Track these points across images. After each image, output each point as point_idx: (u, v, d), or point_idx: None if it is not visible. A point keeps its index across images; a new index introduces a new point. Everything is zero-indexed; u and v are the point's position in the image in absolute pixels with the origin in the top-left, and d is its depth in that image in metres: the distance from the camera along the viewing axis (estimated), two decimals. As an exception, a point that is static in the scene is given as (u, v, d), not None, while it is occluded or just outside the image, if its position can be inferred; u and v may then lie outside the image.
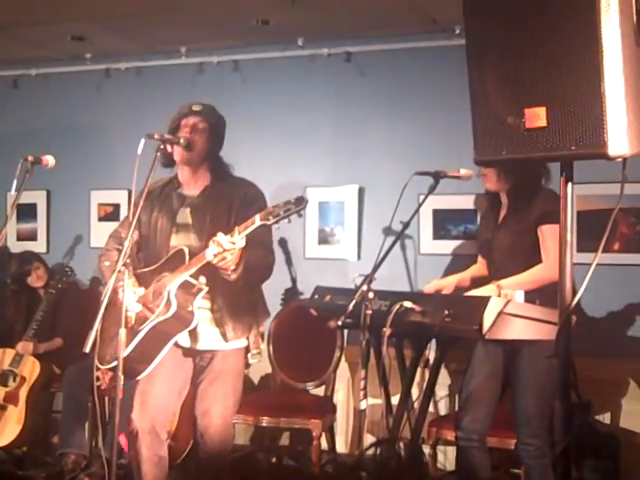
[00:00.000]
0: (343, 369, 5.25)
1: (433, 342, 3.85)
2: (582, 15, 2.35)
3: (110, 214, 6.08)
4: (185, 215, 3.69)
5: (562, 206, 2.61)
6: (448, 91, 5.14)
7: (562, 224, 2.61)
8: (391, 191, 5.22)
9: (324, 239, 5.50)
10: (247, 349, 3.70)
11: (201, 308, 3.58)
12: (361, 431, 3.28)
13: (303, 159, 5.56)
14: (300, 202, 3.19)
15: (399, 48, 5.33)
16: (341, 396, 5.30)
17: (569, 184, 2.60)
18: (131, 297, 3.53)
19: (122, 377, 3.27)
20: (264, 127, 5.67)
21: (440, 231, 5.19)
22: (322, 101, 5.56)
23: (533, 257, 3.56)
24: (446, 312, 2.97)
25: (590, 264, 2.57)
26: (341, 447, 5.25)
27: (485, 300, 2.87)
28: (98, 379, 4.45)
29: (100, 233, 5.83)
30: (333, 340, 4.95)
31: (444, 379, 4.95)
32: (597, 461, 4.30)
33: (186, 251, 3.50)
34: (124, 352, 3.28)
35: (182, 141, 3.58)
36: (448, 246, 5.16)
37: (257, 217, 3.19)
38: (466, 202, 5.08)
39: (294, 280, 5.51)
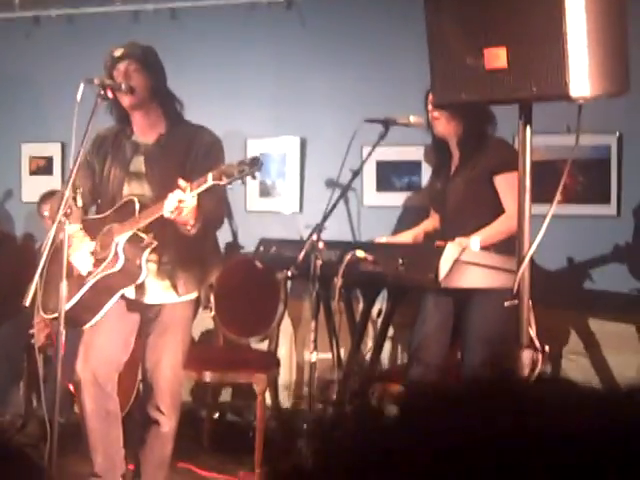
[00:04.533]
0: (286, 324, 5.19)
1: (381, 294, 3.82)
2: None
3: (42, 168, 5.87)
4: (139, 164, 3.58)
5: (520, 150, 2.58)
6: (392, 38, 5.06)
7: (521, 169, 2.57)
8: (334, 142, 5.14)
9: (265, 192, 5.41)
10: (198, 301, 3.64)
11: (149, 261, 3.50)
12: (311, 384, 3.22)
13: (243, 110, 5.43)
14: (255, 163, 3.15)
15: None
16: (283, 351, 5.25)
17: (528, 128, 2.56)
18: (84, 251, 3.44)
19: (64, 331, 3.20)
20: (203, 77, 5.51)
21: (384, 183, 5.13)
22: (263, 50, 5.42)
23: (487, 207, 3.54)
24: (400, 261, 2.92)
25: (539, 215, 2.56)
26: (284, 403, 5.20)
27: (440, 248, 2.82)
28: (33, 336, 4.34)
29: (32, 187, 5.65)
30: (276, 294, 4.87)
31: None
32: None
33: (136, 202, 3.40)
34: (68, 303, 3.24)
35: (123, 86, 3.45)
36: (392, 198, 5.10)
37: (210, 176, 3.13)
38: (410, 154, 5.02)
39: (235, 234, 5.41)
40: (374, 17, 5.17)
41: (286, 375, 5.23)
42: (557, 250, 4.72)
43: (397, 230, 4.73)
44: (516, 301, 2.47)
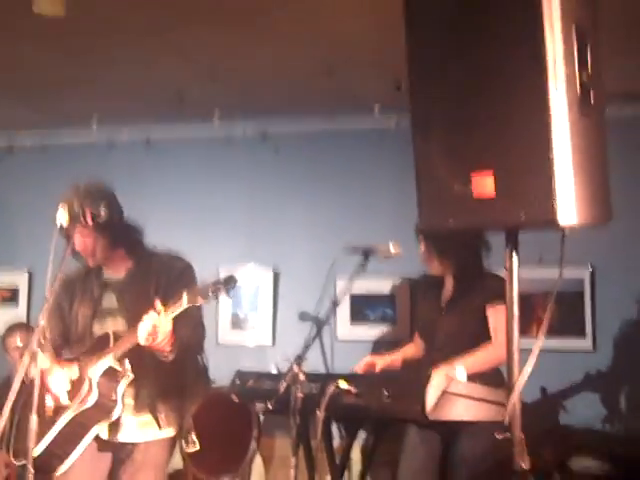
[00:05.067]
0: (257, 462, 5.02)
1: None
2: (531, 86, 2.35)
3: (8, 298, 5.76)
4: (111, 300, 3.49)
5: (508, 278, 2.56)
6: (365, 169, 5.15)
7: (508, 296, 2.55)
8: (307, 273, 5.14)
9: (237, 324, 5.33)
10: (174, 439, 3.48)
11: (126, 396, 3.36)
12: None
13: (216, 239, 5.43)
14: (229, 281, 3.10)
15: (316, 129, 5.31)
16: (254, 490, 5.06)
17: (514, 255, 2.55)
18: (60, 376, 3.32)
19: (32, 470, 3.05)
20: (176, 205, 5.52)
21: (357, 315, 5.09)
22: (237, 180, 5.48)
23: (478, 339, 3.52)
24: (385, 392, 2.84)
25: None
26: None
27: (426, 378, 2.76)
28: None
29: (-3, 318, 5.53)
30: (249, 431, 4.73)
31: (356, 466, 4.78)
32: None
33: (111, 335, 3.32)
34: (38, 447, 3.09)
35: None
36: (366, 332, 5.05)
37: (185, 298, 3.07)
38: (384, 286, 5.02)
39: (205, 368, 5.28)
40: (347, 149, 5.27)
41: (256, 516, 5.02)
42: (532, 383, 4.66)
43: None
44: (508, 434, 2.39)
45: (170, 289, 3.32)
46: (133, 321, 3.33)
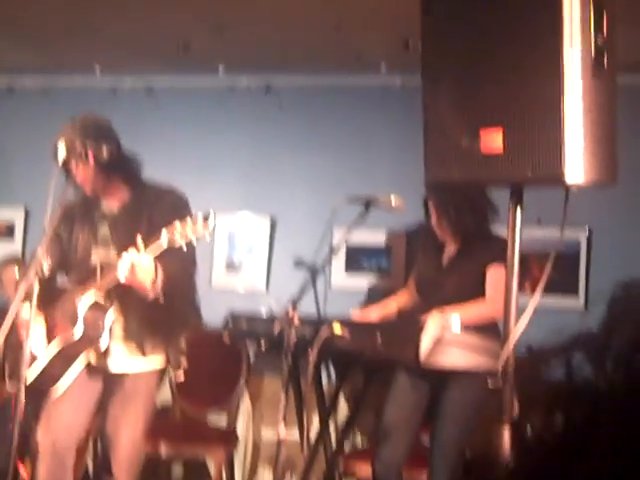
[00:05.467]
0: (244, 401, 5.09)
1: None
2: (546, 47, 2.37)
3: (3, 233, 5.76)
4: (105, 230, 3.55)
5: (510, 234, 2.59)
6: (368, 129, 5.14)
7: (510, 249, 2.58)
8: (304, 222, 5.16)
9: (232, 268, 5.36)
10: (163, 371, 3.55)
11: (115, 324, 3.43)
12: (278, 459, 3.12)
13: (215, 188, 5.42)
14: (207, 218, 3.11)
15: (320, 84, 5.28)
16: (240, 428, 5.13)
17: (518, 210, 2.58)
18: (37, 333, 3.38)
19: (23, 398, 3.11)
20: (175, 152, 5.51)
21: (352, 264, 5.12)
22: (239, 130, 5.45)
23: (478, 299, 3.56)
24: (379, 338, 2.88)
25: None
26: (238, 481, 5.07)
27: (421, 325, 2.80)
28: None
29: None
30: (238, 368, 4.79)
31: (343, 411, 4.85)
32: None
33: (97, 268, 3.38)
34: (30, 375, 3.15)
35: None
36: (360, 282, 5.09)
37: (164, 235, 3.08)
38: (380, 237, 5.04)
39: (197, 308, 5.32)
40: (351, 105, 5.25)
41: (241, 453, 5.10)
42: (522, 340, 4.72)
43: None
44: (500, 382, 2.44)
45: (162, 222, 3.34)
46: (123, 251, 3.36)
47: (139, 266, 3.10)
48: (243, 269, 5.34)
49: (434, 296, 3.69)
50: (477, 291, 3.61)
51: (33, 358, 3.31)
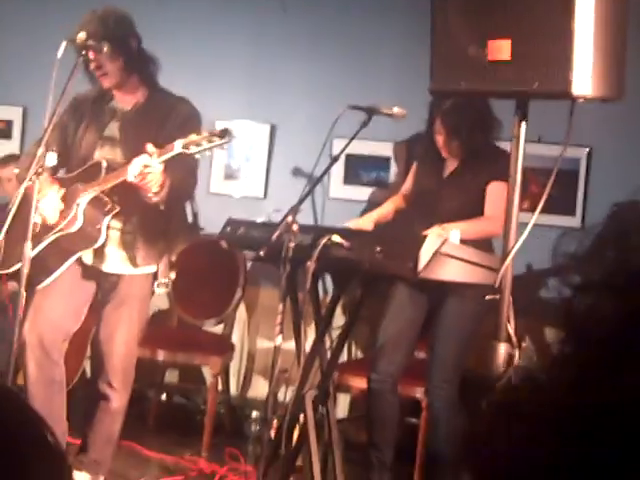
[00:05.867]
0: (240, 310, 5.13)
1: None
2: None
3: (1, 131, 5.71)
4: (114, 129, 3.52)
5: (514, 146, 2.57)
6: (371, 32, 5.05)
7: (513, 161, 2.57)
8: (304, 130, 5.11)
9: (230, 175, 5.33)
10: (155, 276, 3.55)
11: (112, 228, 3.42)
12: (274, 367, 3.15)
13: (215, 92, 5.34)
14: (225, 134, 3.10)
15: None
16: (236, 338, 5.19)
17: (523, 123, 2.55)
18: (52, 196, 3.33)
19: (24, 292, 3.13)
20: (177, 56, 5.40)
21: (351, 176, 5.10)
22: (240, 34, 5.34)
23: (479, 213, 3.56)
24: (378, 248, 2.87)
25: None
26: (232, 389, 5.15)
27: (421, 238, 2.79)
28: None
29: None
30: (235, 278, 4.82)
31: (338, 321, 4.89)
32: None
33: (103, 164, 3.35)
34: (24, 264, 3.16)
35: (105, 49, 3.38)
36: (359, 192, 5.07)
37: (178, 144, 3.08)
38: (380, 149, 5.01)
39: (195, 215, 5.32)
40: (355, 9, 5.15)
41: (236, 362, 5.17)
42: (518, 258, 4.74)
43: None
44: (497, 295, 2.46)
45: (172, 135, 3.33)
46: (129, 154, 3.35)
47: (149, 169, 3.10)
48: (241, 177, 5.31)
49: (432, 208, 3.68)
50: (477, 206, 3.60)
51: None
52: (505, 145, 4.36)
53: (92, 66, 3.41)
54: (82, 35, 3.34)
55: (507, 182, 3.50)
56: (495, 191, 3.55)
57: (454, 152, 3.70)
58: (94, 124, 3.52)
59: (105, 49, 3.37)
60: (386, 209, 3.97)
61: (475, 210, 3.59)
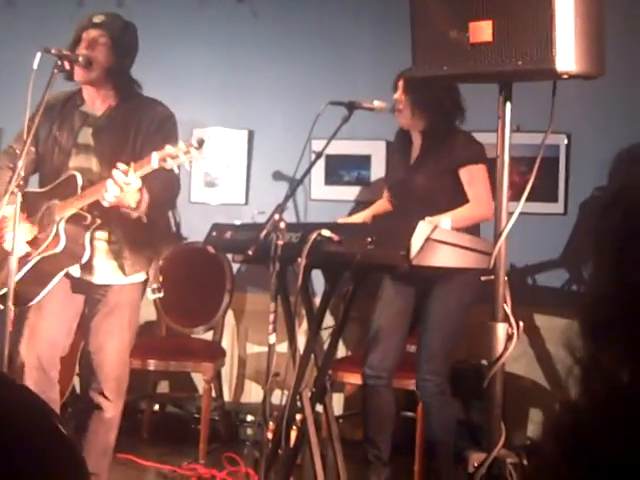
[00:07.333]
0: (228, 317, 5.11)
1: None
2: None
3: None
4: (87, 136, 3.44)
5: (500, 126, 2.58)
6: (343, 32, 5.06)
7: (500, 145, 2.58)
8: (282, 134, 5.11)
9: (211, 182, 5.32)
10: (146, 283, 3.52)
11: (98, 239, 3.38)
12: (269, 367, 3.13)
13: (191, 99, 5.32)
14: (202, 144, 3.06)
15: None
16: (225, 344, 5.17)
17: (508, 104, 2.57)
18: (22, 235, 3.28)
19: (12, 307, 3.09)
20: (150, 65, 5.37)
21: (332, 176, 5.10)
22: (213, 41, 5.34)
23: (448, 198, 3.55)
24: (369, 239, 2.87)
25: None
26: (225, 395, 5.12)
27: (412, 226, 2.79)
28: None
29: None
30: (222, 284, 4.80)
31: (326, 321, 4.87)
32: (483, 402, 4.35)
33: (79, 180, 3.28)
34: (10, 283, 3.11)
35: (81, 59, 3.33)
36: (340, 192, 5.07)
37: (154, 158, 3.00)
38: (360, 147, 5.01)
39: (178, 225, 5.30)
40: (326, 10, 5.16)
41: (227, 368, 5.15)
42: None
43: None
44: (492, 276, 2.46)
45: (148, 139, 3.28)
46: (104, 162, 3.30)
47: (126, 188, 3.03)
48: (222, 184, 5.30)
49: (405, 197, 3.69)
50: (445, 191, 3.59)
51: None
52: (480, 136, 4.40)
53: (83, 45, 3.36)
54: (99, 18, 3.35)
55: (479, 164, 3.54)
56: (470, 175, 3.57)
57: (407, 119, 3.70)
58: (66, 129, 3.45)
59: (108, 39, 3.36)
60: (375, 209, 4.00)
61: (443, 194, 3.59)
